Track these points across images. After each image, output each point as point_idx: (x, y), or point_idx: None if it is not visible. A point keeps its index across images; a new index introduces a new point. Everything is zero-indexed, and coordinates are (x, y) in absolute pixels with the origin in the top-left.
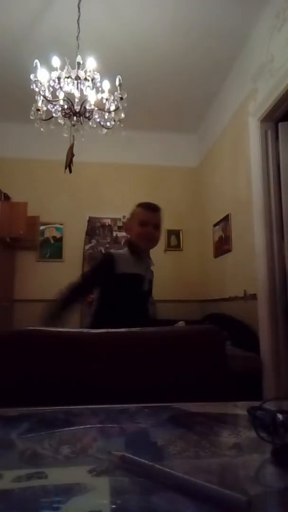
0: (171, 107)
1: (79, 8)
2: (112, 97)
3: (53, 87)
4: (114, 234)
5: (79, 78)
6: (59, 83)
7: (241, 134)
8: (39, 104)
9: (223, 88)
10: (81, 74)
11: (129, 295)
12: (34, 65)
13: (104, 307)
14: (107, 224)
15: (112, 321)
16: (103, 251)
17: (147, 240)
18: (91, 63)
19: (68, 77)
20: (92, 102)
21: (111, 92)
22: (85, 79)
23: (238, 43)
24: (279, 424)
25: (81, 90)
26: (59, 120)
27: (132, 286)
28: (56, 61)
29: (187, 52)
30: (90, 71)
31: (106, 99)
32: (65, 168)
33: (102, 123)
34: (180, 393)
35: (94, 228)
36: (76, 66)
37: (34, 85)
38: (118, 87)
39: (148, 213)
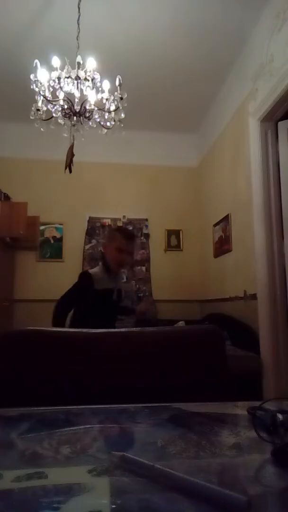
0: (171, 107)
1: (79, 8)
2: (112, 97)
3: (53, 87)
4: None
5: (79, 78)
6: (59, 83)
7: (241, 134)
8: (39, 104)
9: (223, 88)
10: (81, 74)
11: (102, 307)
12: (34, 65)
13: (77, 322)
14: (107, 224)
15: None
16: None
17: (120, 265)
18: (91, 63)
19: (68, 77)
20: (92, 102)
21: (111, 92)
22: (85, 79)
23: (238, 43)
24: (279, 424)
25: (81, 90)
26: (59, 120)
27: (104, 299)
28: (56, 61)
29: (187, 52)
30: (90, 71)
31: (106, 99)
32: (65, 168)
33: (102, 123)
34: (180, 393)
35: (94, 228)
36: (76, 66)
37: (34, 85)
38: (118, 87)
39: (126, 242)
